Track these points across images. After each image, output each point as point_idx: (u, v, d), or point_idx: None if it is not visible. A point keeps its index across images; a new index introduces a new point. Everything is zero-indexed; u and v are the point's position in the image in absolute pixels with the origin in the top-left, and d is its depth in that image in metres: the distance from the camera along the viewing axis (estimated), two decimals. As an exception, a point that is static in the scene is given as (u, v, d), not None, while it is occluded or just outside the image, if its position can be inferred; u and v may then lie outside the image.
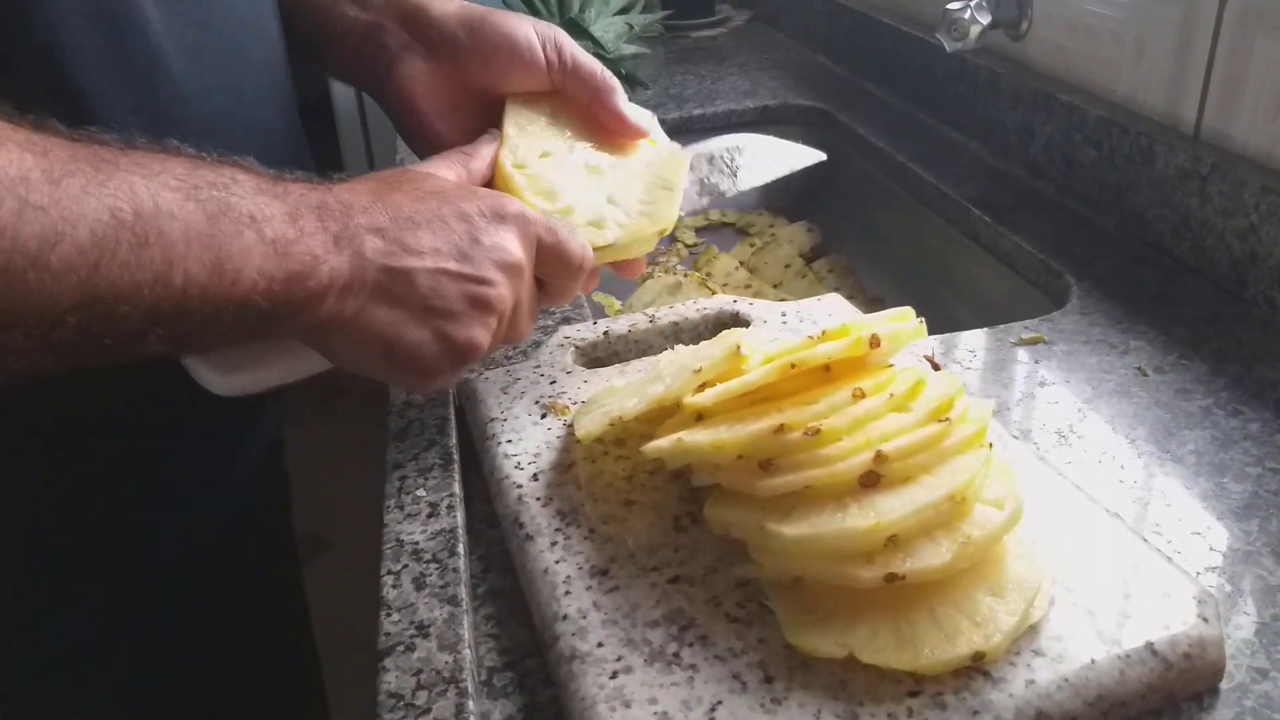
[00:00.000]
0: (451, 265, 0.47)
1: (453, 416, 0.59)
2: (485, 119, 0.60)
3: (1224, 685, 0.43)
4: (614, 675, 0.40)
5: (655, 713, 0.39)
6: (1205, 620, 0.42)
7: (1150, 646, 0.41)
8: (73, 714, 0.60)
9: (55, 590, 0.57)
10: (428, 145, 0.61)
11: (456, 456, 0.55)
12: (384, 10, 0.61)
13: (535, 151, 0.59)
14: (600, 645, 0.42)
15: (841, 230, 1.12)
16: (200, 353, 0.47)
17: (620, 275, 0.62)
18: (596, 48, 1.05)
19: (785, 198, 1.20)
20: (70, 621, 0.58)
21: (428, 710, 0.40)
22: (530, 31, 0.59)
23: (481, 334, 0.49)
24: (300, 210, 0.43)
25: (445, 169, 0.54)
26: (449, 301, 0.47)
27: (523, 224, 0.50)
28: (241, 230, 0.40)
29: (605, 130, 0.61)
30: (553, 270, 0.53)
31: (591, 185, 0.59)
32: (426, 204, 0.48)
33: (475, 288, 0.48)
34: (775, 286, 1.01)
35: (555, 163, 0.59)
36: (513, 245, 0.49)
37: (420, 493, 0.52)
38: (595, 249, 0.56)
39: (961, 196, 0.93)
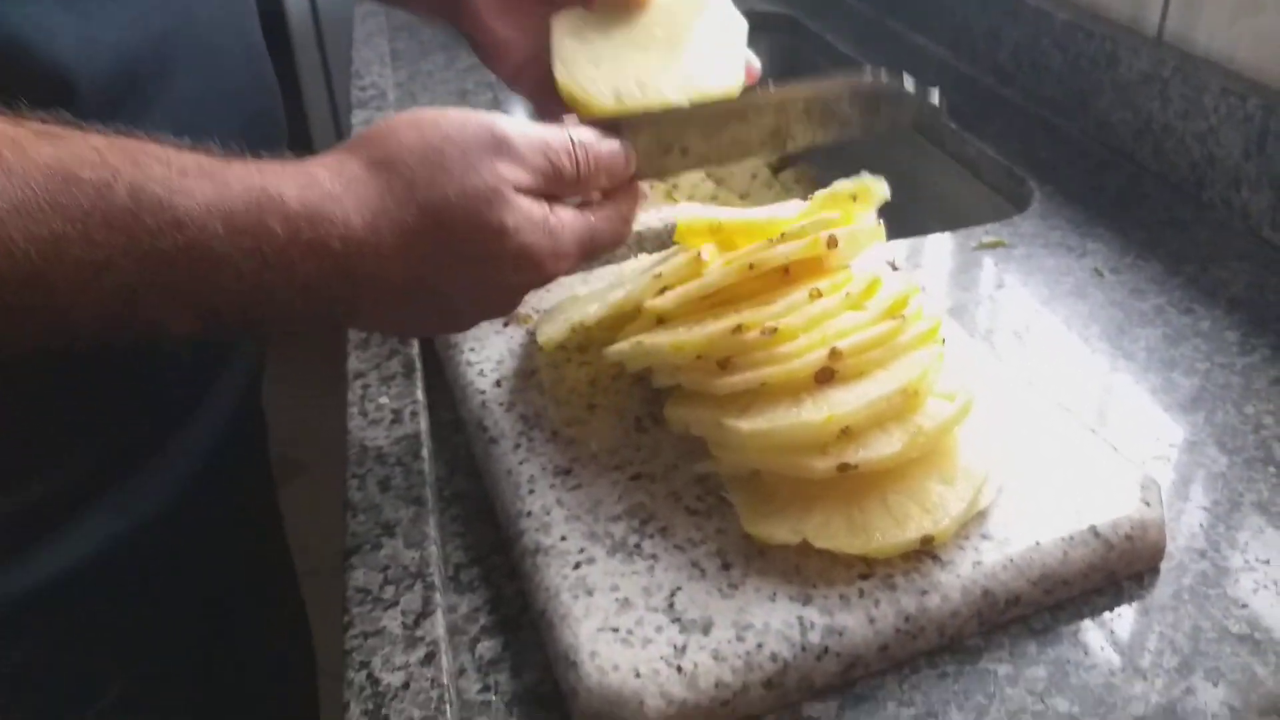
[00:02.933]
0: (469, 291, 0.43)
1: (417, 326, 0.59)
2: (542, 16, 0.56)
3: (1164, 565, 0.44)
4: (577, 566, 0.42)
5: (617, 599, 0.40)
6: (1147, 504, 0.43)
7: (1093, 529, 0.42)
8: (64, 641, 0.61)
9: (38, 524, 0.57)
10: (489, 52, 0.57)
11: (419, 365, 0.55)
12: None
13: (594, 56, 0.54)
14: (563, 539, 0.43)
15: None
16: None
17: None
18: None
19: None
20: (56, 553, 0.58)
21: (395, 603, 0.41)
22: None
23: (510, 310, 0.46)
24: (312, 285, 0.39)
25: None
26: (470, 309, 0.45)
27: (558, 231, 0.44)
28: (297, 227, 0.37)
29: None
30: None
31: (659, 60, 0.54)
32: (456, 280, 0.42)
33: (497, 298, 0.45)
34: (742, 198, 1.01)
35: (617, 56, 0.54)
36: (533, 275, 0.44)
37: (383, 400, 0.52)
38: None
39: (927, 104, 0.92)
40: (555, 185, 0.44)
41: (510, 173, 0.41)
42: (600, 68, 0.52)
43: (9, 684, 0.57)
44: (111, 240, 0.33)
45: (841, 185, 0.53)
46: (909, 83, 0.52)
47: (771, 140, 0.51)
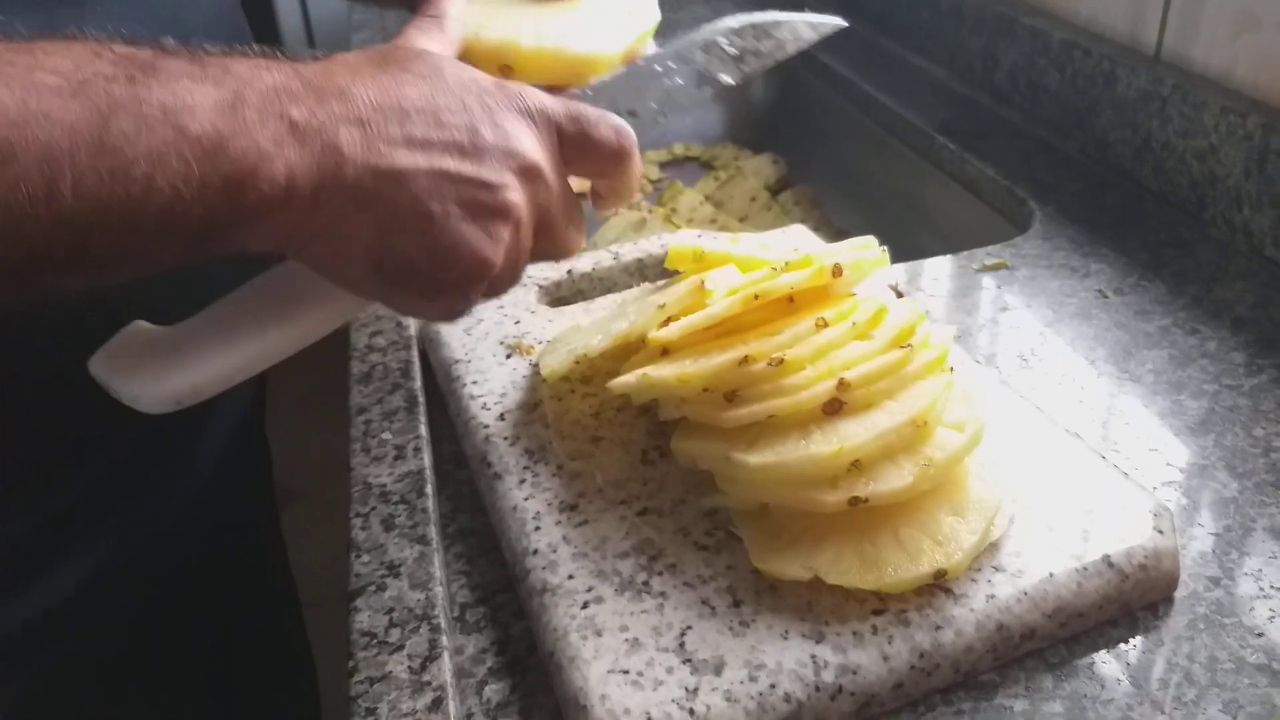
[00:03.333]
0: (450, 165, 0.38)
1: (416, 359, 0.58)
2: None
3: (1178, 594, 0.44)
4: (585, 605, 0.41)
5: (626, 639, 0.39)
6: (1160, 532, 0.43)
7: (1107, 559, 0.42)
8: (66, 669, 0.60)
9: (35, 554, 0.57)
10: None
11: (421, 399, 0.55)
12: None
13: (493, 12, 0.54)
14: (571, 577, 0.42)
15: (807, 162, 1.11)
16: (128, 279, 0.36)
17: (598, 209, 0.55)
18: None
19: (750, 129, 1.19)
20: (53, 584, 0.58)
21: (401, 646, 0.40)
22: None
23: (490, 248, 0.40)
24: (244, 95, 0.34)
25: (427, 39, 0.45)
26: (448, 206, 0.38)
27: (541, 117, 0.42)
28: (150, 127, 0.32)
29: None
30: (589, 165, 0.45)
31: (563, 18, 0.54)
32: (420, 88, 0.39)
33: (481, 193, 0.39)
34: (741, 220, 1.01)
35: (516, 11, 0.54)
36: (527, 142, 0.41)
37: (386, 436, 0.52)
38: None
39: (926, 124, 0.92)
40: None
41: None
42: (498, 20, 0.53)
43: (10, 715, 0.56)
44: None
45: (841, 251, 0.51)
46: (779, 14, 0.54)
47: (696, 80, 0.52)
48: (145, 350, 0.40)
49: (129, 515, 0.59)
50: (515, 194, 0.40)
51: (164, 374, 0.39)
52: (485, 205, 0.39)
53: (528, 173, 0.41)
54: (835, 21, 0.57)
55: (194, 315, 0.41)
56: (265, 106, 0.35)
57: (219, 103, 0.34)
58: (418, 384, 0.56)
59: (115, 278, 0.35)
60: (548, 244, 0.44)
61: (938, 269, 0.69)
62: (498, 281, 0.42)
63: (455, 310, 0.42)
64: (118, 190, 0.31)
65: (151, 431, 0.60)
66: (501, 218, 0.40)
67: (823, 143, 1.12)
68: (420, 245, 0.38)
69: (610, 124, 0.44)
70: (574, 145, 0.43)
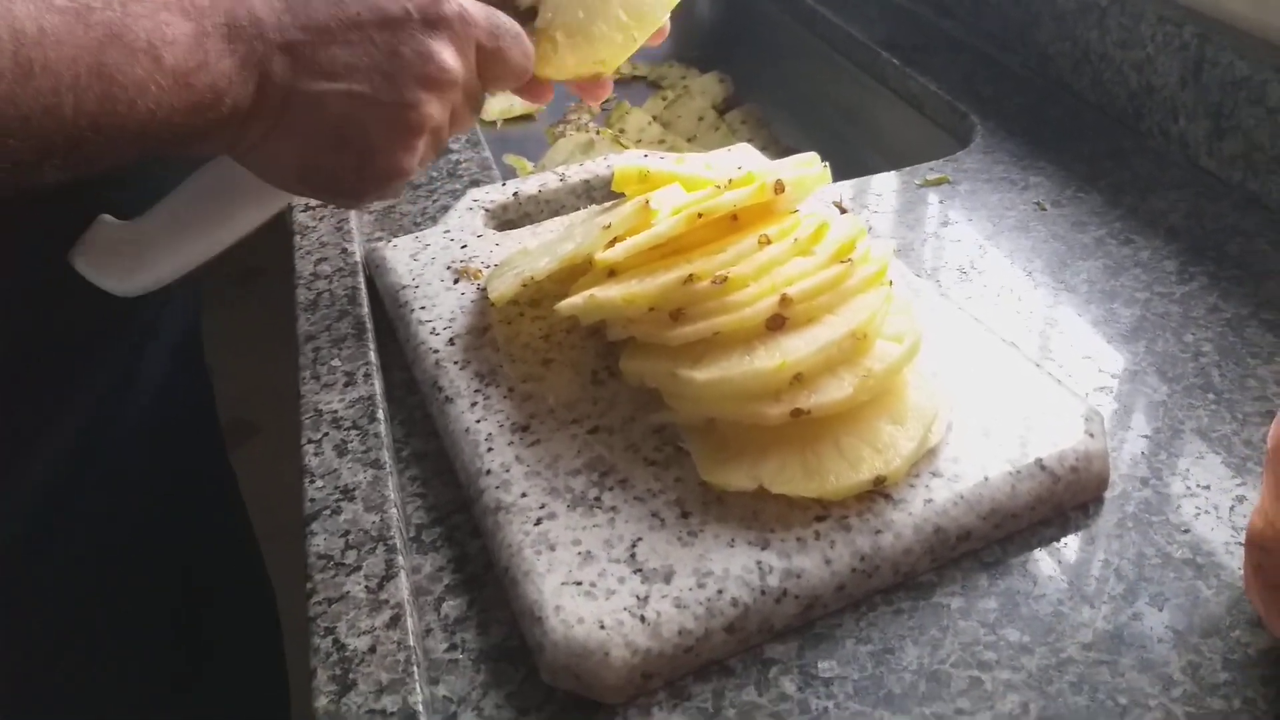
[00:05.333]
0: (367, 89, 0.42)
1: (363, 286, 0.58)
2: None
3: (1109, 495, 0.46)
4: (538, 522, 0.42)
5: (579, 552, 0.40)
6: (1091, 436, 0.45)
7: (1039, 462, 0.43)
8: (23, 605, 0.60)
9: None
10: None
11: (370, 325, 0.55)
12: None
13: None
14: (524, 495, 0.43)
15: (754, 80, 1.11)
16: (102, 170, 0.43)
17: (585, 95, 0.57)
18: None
19: (696, 48, 1.17)
20: (6, 521, 0.58)
21: (358, 567, 0.41)
22: None
23: (406, 159, 0.45)
24: (207, 29, 0.39)
25: None
26: (366, 128, 0.43)
27: (461, 27, 0.45)
28: (136, 58, 0.37)
29: None
30: (492, 77, 0.48)
31: None
32: (347, 9, 0.42)
33: (396, 113, 0.43)
34: (689, 140, 1.00)
35: None
36: (445, 55, 0.44)
37: (335, 363, 0.52)
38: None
39: (870, 39, 0.92)
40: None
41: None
42: None
43: None
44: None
45: (783, 168, 0.52)
46: None
47: None
48: (114, 245, 0.48)
49: (72, 443, 0.59)
50: (429, 108, 0.44)
51: (133, 268, 0.48)
52: (400, 123, 0.43)
53: (441, 85, 0.44)
54: None
55: (150, 209, 0.49)
56: (221, 40, 0.39)
57: (190, 36, 0.38)
58: (365, 310, 0.56)
59: (96, 169, 0.40)
60: (457, 128, 0.48)
61: (882, 185, 0.70)
62: (405, 181, 0.47)
63: (376, 202, 0.50)
64: (107, 108, 0.36)
65: (89, 357, 0.59)
66: (415, 133, 0.44)
67: (769, 61, 1.12)
68: (340, 161, 0.43)
69: (523, 49, 0.48)
70: (488, 59, 0.47)
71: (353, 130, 0.43)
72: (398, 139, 0.44)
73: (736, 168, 0.67)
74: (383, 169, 0.44)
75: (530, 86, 0.53)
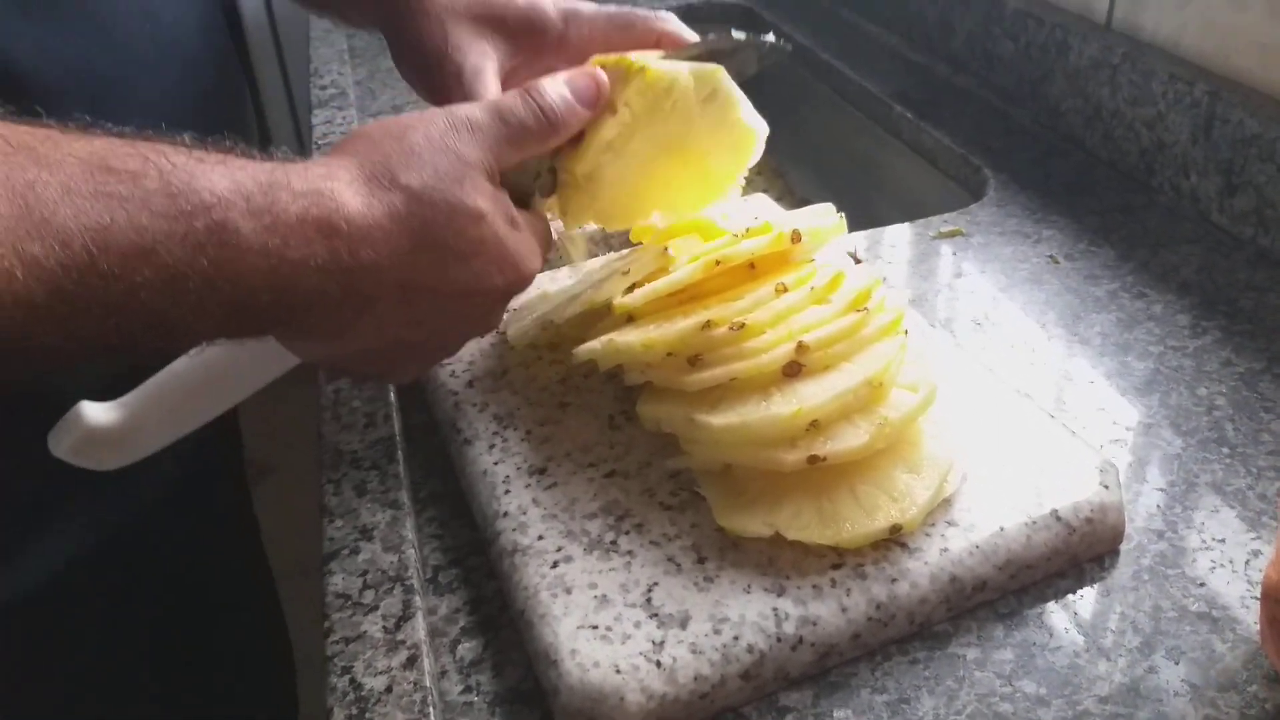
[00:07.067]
0: (414, 338, 0.43)
1: (385, 328, 0.59)
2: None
3: (1124, 547, 0.46)
4: (555, 565, 0.42)
5: (595, 596, 0.41)
6: (1106, 487, 0.45)
7: (1055, 513, 0.43)
8: (42, 651, 0.61)
9: (13, 539, 0.57)
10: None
11: (391, 367, 0.55)
12: None
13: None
14: (540, 538, 0.44)
15: (770, 133, 1.12)
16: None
17: None
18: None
19: (712, 100, 1.19)
20: (25, 566, 0.58)
21: (375, 607, 0.41)
22: None
23: (446, 356, 0.50)
24: (283, 285, 0.37)
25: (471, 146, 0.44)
26: (407, 362, 0.46)
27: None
28: (211, 296, 0.35)
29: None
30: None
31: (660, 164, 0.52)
32: (442, 294, 0.42)
33: (427, 357, 0.47)
34: (704, 190, 1.01)
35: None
36: (512, 274, 0.44)
37: (356, 404, 0.53)
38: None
39: (884, 93, 0.94)
40: (521, 141, 0.45)
41: (473, 151, 0.42)
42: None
43: None
44: (154, 225, 0.33)
45: (800, 218, 0.53)
46: (739, 34, 0.56)
47: None
48: (93, 433, 0.43)
49: (97, 498, 0.59)
50: (509, 298, 0.46)
51: (117, 450, 0.44)
52: (488, 313, 0.46)
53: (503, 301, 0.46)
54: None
55: (134, 390, 0.45)
56: (290, 297, 0.38)
57: (266, 286, 0.36)
58: (385, 353, 0.57)
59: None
60: None
61: (896, 236, 0.71)
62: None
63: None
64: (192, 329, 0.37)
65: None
66: (500, 312, 0.47)
67: (784, 113, 1.13)
68: (375, 372, 0.47)
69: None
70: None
71: (392, 367, 0.46)
72: (479, 327, 0.47)
73: (753, 217, 0.68)
74: (415, 370, 0.49)
75: None
